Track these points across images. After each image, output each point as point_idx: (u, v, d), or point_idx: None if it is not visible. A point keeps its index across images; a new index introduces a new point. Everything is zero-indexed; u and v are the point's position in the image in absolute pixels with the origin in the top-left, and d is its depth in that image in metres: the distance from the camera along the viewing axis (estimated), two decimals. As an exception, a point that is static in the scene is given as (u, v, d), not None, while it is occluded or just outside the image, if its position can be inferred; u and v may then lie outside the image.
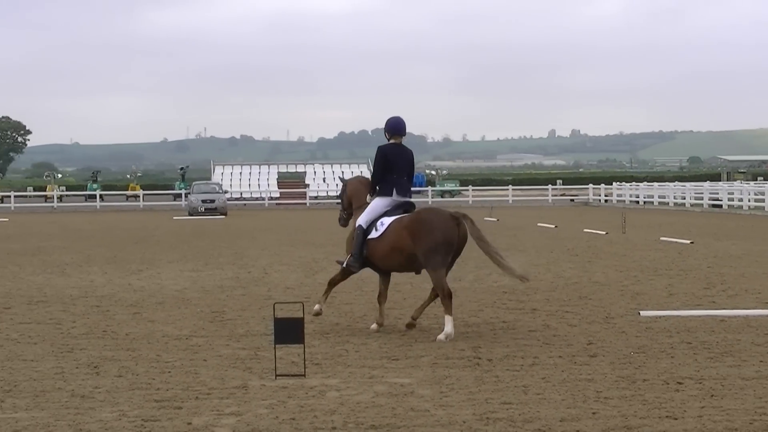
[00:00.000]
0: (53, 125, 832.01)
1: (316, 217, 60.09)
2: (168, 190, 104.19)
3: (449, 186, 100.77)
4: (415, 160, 16.34)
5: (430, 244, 14.67)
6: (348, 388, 11.32)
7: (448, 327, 14.53)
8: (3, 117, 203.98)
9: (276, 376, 11.85)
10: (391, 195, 15.59)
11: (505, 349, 13.68)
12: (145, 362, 13.02)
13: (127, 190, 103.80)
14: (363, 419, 9.87)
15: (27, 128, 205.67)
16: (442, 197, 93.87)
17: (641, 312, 16.84)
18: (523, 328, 15.41)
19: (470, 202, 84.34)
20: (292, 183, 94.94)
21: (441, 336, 14.49)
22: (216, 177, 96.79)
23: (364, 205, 15.95)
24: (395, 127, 15.92)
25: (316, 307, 15.89)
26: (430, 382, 11.55)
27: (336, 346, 14.04)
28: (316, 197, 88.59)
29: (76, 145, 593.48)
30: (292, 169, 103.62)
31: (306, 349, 12.39)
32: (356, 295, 19.80)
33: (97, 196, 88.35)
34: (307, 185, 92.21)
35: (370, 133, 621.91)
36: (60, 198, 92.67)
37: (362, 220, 15.50)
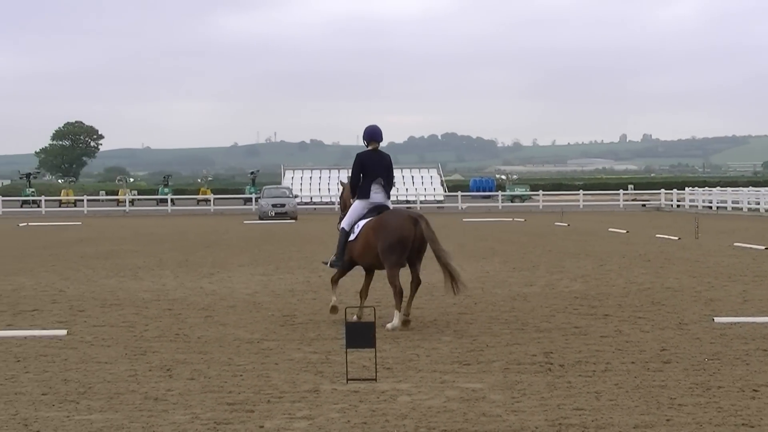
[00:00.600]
0: (125, 130, 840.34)
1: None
2: (238, 194, 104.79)
3: (519, 191, 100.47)
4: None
5: (386, 243, 16.04)
6: (419, 392, 11.29)
7: (395, 321, 16.03)
8: (76, 122, 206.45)
9: (347, 380, 11.85)
10: (368, 197, 16.81)
11: (577, 354, 13.58)
12: (217, 365, 13.08)
13: (198, 194, 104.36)
14: (434, 424, 9.84)
15: (99, 133, 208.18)
16: (512, 202, 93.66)
17: (715, 318, 16.64)
18: (596, 334, 15.29)
19: (540, 206, 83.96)
20: None
21: (388, 326, 15.90)
22: (286, 181, 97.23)
23: None
24: (372, 134, 17.11)
25: (333, 300, 17.21)
26: (501, 388, 11.49)
27: (407, 351, 14.02)
28: None
29: (148, 150, 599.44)
30: None
31: (377, 354, 12.38)
32: (426, 300, 19.76)
33: (169, 200, 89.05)
34: None
35: (439, 137, 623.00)
36: (132, 202, 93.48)
37: (344, 223, 17.02)
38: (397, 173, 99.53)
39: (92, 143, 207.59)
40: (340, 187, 19.12)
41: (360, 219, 16.80)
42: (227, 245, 38.43)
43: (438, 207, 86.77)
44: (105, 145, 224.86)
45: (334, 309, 17.07)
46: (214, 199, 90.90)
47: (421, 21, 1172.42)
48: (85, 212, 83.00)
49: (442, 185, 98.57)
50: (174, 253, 33.82)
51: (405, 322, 16.14)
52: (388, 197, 17.16)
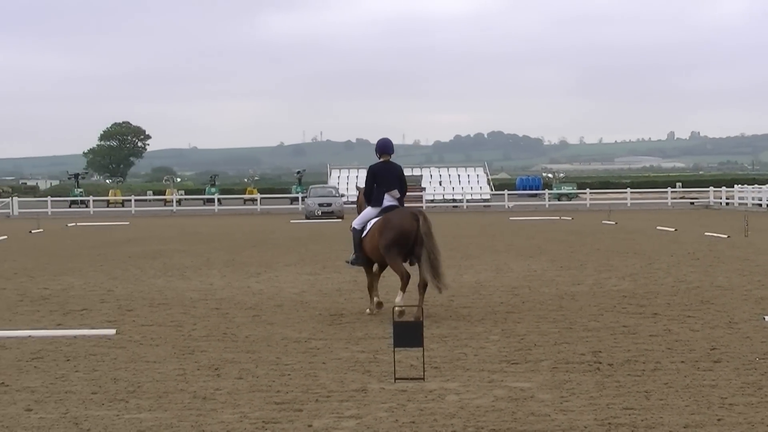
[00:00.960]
0: (172, 130, 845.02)
1: (432, 221, 59.84)
2: (285, 193, 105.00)
3: (566, 189, 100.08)
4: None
5: (386, 240, 17.25)
6: (467, 391, 11.26)
7: (398, 298, 17.10)
8: (123, 122, 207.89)
9: (395, 379, 11.84)
10: (381, 205, 18.04)
11: (626, 353, 13.50)
12: (265, 365, 13.10)
13: (244, 193, 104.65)
14: (483, 423, 9.81)
15: (147, 133, 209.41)
16: (558, 200, 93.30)
17: (766, 317, 16.48)
18: (644, 333, 15.19)
19: (588, 205, 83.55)
20: (408, 186, 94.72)
21: (397, 299, 17.00)
22: (332, 180, 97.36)
23: None
24: (383, 147, 18.49)
25: (375, 300, 18.01)
26: (550, 387, 11.44)
27: (455, 350, 13.99)
28: (432, 200, 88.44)
29: (195, 150, 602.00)
30: (408, 172, 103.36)
31: (425, 353, 12.35)
32: (474, 299, 19.73)
33: (215, 200, 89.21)
34: (424, 188, 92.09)
35: (486, 136, 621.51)
36: (179, 202, 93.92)
37: (356, 222, 18.29)
38: (443, 172, 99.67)
39: (139, 143, 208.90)
40: (356, 192, 20.36)
41: (371, 219, 18.02)
42: (274, 245, 38.52)
43: (484, 206, 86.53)
44: (152, 145, 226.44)
45: (379, 305, 17.89)
46: (261, 198, 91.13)
47: (469, 19, 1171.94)
48: (133, 212, 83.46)
49: (489, 184, 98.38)
50: (221, 253, 33.94)
51: (417, 317, 15.90)
52: (402, 204, 18.32)
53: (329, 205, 68.25)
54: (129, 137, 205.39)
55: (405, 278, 17.23)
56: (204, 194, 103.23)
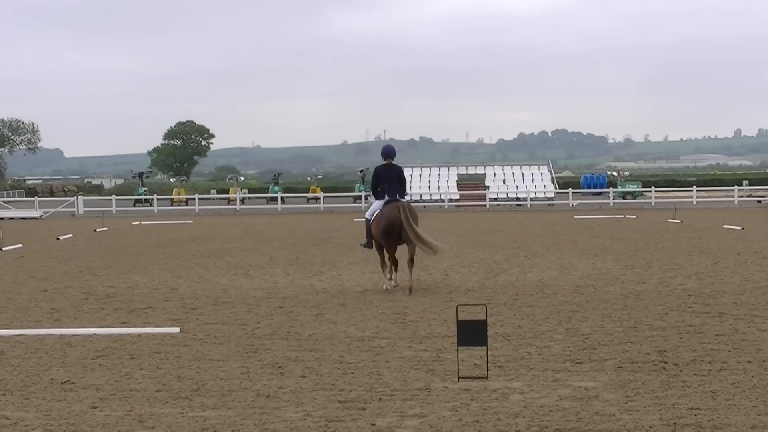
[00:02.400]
0: (236, 129, 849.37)
1: (496, 219, 59.91)
2: (348, 192, 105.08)
3: (631, 187, 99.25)
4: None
5: (379, 228, 21.38)
6: (531, 391, 11.21)
7: (386, 285, 21.85)
8: (188, 121, 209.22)
9: (459, 378, 11.81)
10: (384, 199, 21.86)
11: (692, 353, 13.38)
12: (329, 363, 13.12)
13: (307, 192, 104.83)
14: (547, 423, 9.75)
15: (210, 132, 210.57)
16: (623, 198, 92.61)
17: (835, 316, 16.25)
18: (711, 332, 15.04)
19: (653, 203, 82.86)
20: (471, 185, 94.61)
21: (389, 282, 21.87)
22: None
23: None
24: (386, 152, 22.34)
25: (391, 284, 21.91)
26: (615, 386, 11.35)
27: (518, 349, 13.93)
28: (495, 199, 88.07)
29: (258, 148, 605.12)
30: (471, 170, 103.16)
31: (488, 352, 12.31)
32: (538, 298, 19.64)
33: (279, 199, 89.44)
34: (487, 187, 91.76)
35: (549, 134, 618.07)
36: (242, 200, 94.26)
37: (367, 213, 22.38)
38: (506, 170, 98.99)
39: (203, 142, 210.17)
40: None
41: (377, 210, 21.79)
42: (337, 243, 38.58)
43: (548, 204, 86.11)
44: (216, 144, 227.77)
45: (390, 279, 21.92)
46: (324, 197, 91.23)
47: (535, 18, 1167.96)
48: (197, 211, 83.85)
49: (553, 182, 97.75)
50: (284, 251, 34.04)
51: (410, 290, 20.90)
52: (402, 196, 22.07)
53: None
54: (193, 136, 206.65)
55: (395, 264, 21.79)
56: (267, 193, 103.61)
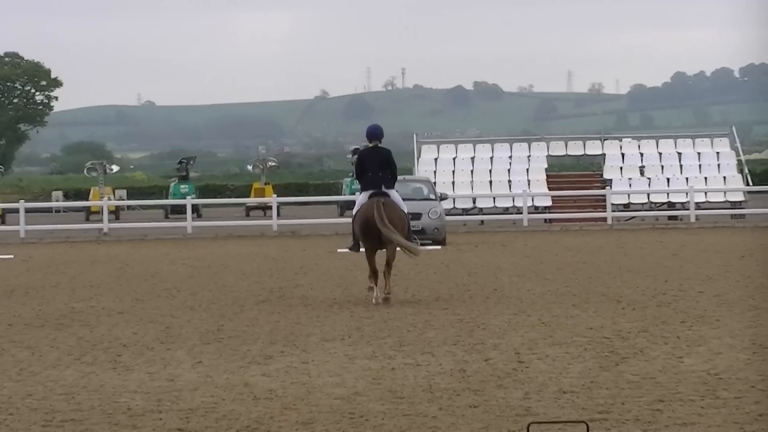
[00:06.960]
0: (106, 69, 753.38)
1: (624, 246, 35.16)
2: (328, 194, 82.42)
3: None
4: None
5: (357, 226, 19.61)
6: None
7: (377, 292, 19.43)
8: (7, 55, 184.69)
9: None
10: (368, 190, 19.69)
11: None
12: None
13: (248, 195, 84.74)
14: None
15: (55, 78, 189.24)
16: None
17: None
18: None
19: None
20: (576, 178, 41.70)
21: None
22: (423, 166, 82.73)
23: None
24: (371, 133, 19.85)
25: (376, 292, 19.11)
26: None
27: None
28: (627, 204, 50.00)
29: (150, 107, 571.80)
30: (575, 149, 51.23)
31: None
32: (704, 408, 11.04)
33: (188, 208, 73.51)
34: (609, 182, 48.58)
35: (736, 74, 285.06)
36: (115, 212, 73.73)
37: (354, 211, 20.45)
38: (649, 146, 46.85)
39: (40, 97, 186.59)
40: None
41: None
42: (302, 298, 26.69)
43: (733, 215, 49.93)
44: (64, 101, 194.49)
45: (371, 289, 19.33)
46: (280, 203, 67.29)
47: None
48: (22, 234, 55.92)
49: (741, 171, 56.16)
50: (194, 316, 23.30)
51: (385, 299, 18.94)
52: (390, 187, 19.58)
53: (416, 217, 33.77)
54: (18, 84, 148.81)
55: (373, 273, 19.23)
56: (166, 197, 69.94)
